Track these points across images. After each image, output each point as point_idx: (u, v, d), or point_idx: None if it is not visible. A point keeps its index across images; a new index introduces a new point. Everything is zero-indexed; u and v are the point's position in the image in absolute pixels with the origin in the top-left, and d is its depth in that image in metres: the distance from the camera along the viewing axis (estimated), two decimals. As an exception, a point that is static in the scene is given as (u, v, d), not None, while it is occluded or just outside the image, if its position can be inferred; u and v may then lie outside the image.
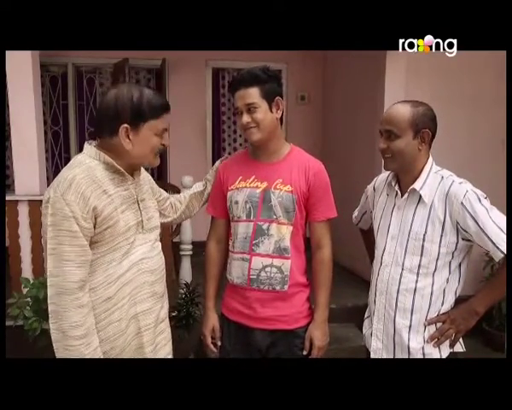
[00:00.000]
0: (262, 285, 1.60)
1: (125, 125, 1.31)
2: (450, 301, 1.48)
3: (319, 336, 1.62)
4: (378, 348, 1.56)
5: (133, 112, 1.32)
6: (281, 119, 1.64)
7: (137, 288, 1.38)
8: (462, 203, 1.37)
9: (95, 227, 1.29)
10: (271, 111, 1.58)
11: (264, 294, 1.60)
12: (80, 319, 1.24)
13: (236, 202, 1.62)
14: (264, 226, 1.59)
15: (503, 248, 1.33)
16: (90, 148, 1.36)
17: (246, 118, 1.56)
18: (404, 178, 1.51)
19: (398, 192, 1.53)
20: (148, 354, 1.42)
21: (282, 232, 1.59)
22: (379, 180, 1.69)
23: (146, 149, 1.37)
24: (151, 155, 1.40)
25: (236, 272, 1.64)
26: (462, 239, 1.42)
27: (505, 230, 1.34)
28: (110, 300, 1.32)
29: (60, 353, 1.25)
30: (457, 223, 1.40)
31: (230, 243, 1.69)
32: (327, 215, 1.64)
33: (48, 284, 1.26)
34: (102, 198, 1.29)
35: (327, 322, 1.67)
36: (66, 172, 1.28)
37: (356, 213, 1.85)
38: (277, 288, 1.60)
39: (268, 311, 1.61)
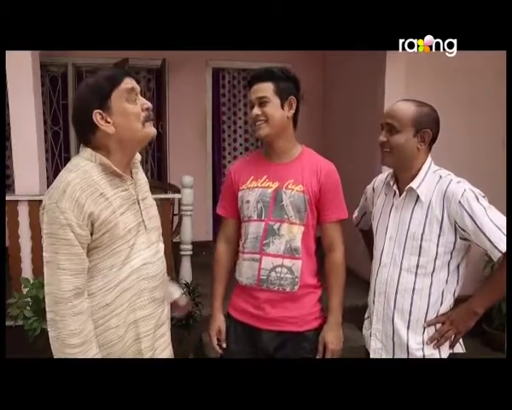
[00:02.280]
0: (272, 286, 1.59)
1: (96, 110, 1.26)
2: (449, 301, 1.47)
3: (333, 340, 1.61)
4: (377, 348, 1.56)
5: (95, 94, 1.26)
6: (295, 121, 1.65)
7: (137, 294, 1.34)
8: (459, 202, 1.37)
9: (92, 233, 1.25)
10: (283, 108, 1.59)
11: (273, 294, 1.60)
12: (77, 327, 1.22)
13: (248, 202, 1.62)
14: (276, 226, 1.58)
15: (501, 247, 1.33)
16: (85, 150, 1.32)
17: (256, 110, 1.58)
18: (403, 178, 1.51)
19: (397, 192, 1.53)
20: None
21: (294, 232, 1.58)
22: (378, 181, 1.69)
23: (128, 121, 1.28)
24: (138, 125, 1.30)
25: (246, 273, 1.63)
26: (461, 238, 1.42)
27: (503, 228, 1.34)
28: (108, 306, 1.29)
29: None
30: (455, 222, 1.40)
31: (240, 243, 1.68)
32: (338, 216, 1.64)
33: (45, 292, 1.25)
34: (99, 202, 1.25)
35: (341, 325, 1.65)
36: (61, 177, 1.26)
37: (356, 213, 1.85)
38: (287, 289, 1.59)
39: (277, 312, 1.60)
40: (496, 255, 1.35)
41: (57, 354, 1.24)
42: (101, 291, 1.28)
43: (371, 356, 1.58)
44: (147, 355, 1.38)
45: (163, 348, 1.46)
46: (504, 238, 1.33)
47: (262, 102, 1.57)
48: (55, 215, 1.21)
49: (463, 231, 1.39)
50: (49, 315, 1.24)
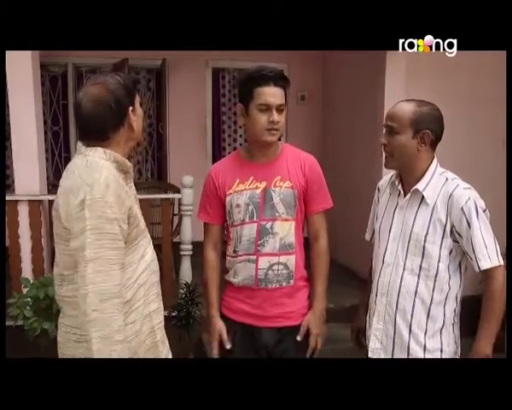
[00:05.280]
0: (270, 284, 1.61)
1: (130, 107, 1.32)
2: (451, 306, 1.47)
3: (317, 324, 1.65)
4: (376, 348, 1.55)
5: (128, 93, 1.32)
6: None
7: (150, 288, 1.38)
8: (462, 209, 1.38)
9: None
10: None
11: (272, 292, 1.62)
12: (121, 324, 1.22)
13: (238, 206, 1.62)
14: (268, 225, 1.59)
15: (481, 263, 1.37)
16: (95, 149, 1.28)
17: (276, 117, 1.54)
18: (407, 178, 1.50)
19: (401, 192, 1.52)
20: (163, 351, 1.42)
21: (286, 229, 1.60)
22: (383, 180, 1.68)
23: (141, 121, 1.39)
24: (143, 125, 1.42)
25: (242, 274, 1.64)
26: (453, 241, 1.42)
27: (489, 246, 1.37)
28: (128, 303, 1.29)
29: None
30: (453, 226, 1.40)
31: (230, 247, 1.68)
32: (324, 206, 1.68)
33: (85, 292, 1.17)
34: (129, 198, 1.30)
35: (325, 312, 1.69)
36: (93, 174, 1.22)
37: (368, 229, 1.73)
38: (284, 284, 1.62)
39: (276, 309, 1.63)
40: (476, 269, 1.39)
41: (100, 355, 1.18)
42: (122, 288, 1.27)
43: (369, 356, 1.57)
44: (161, 347, 1.42)
45: (164, 340, 1.49)
46: (487, 257, 1.36)
47: (280, 111, 1.55)
48: (103, 210, 1.20)
49: (458, 235, 1.41)
50: (93, 315, 1.17)
